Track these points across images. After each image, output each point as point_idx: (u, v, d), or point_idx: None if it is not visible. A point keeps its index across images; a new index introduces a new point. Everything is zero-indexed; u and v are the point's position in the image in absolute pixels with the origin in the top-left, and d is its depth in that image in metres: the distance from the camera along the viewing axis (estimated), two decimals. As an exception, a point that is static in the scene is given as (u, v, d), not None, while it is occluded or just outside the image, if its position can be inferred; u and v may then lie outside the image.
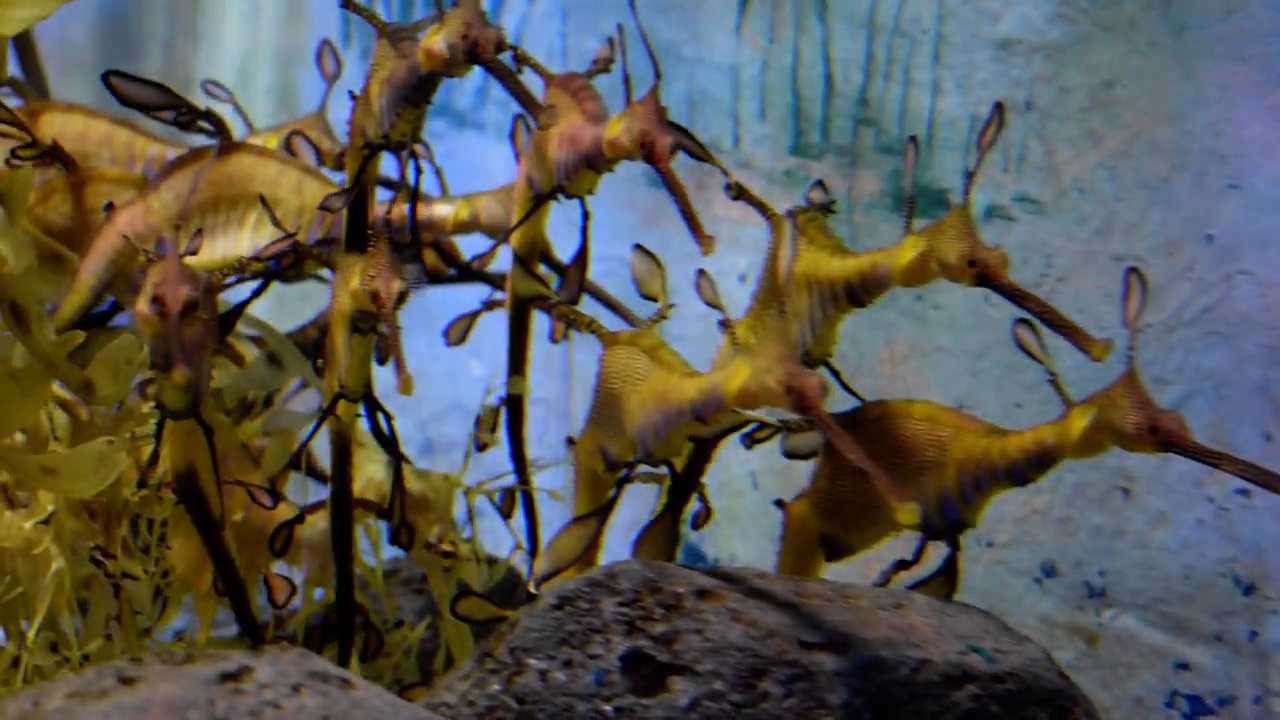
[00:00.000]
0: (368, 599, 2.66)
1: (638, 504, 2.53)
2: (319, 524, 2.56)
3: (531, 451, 2.69)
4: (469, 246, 2.83)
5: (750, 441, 2.49)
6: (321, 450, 2.56)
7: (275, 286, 2.65)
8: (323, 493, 2.60)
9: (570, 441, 2.44)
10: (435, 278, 2.89)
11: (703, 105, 3.12)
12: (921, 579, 2.40)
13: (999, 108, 2.32)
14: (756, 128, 3.08)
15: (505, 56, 2.28)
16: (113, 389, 2.35)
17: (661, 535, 2.42)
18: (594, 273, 2.83)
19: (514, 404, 2.61)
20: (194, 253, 2.17)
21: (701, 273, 2.21)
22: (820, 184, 2.45)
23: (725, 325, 2.19)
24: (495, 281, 2.85)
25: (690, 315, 2.41)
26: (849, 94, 2.99)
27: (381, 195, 2.74)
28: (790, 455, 2.48)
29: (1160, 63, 2.72)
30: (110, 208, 2.52)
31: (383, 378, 2.29)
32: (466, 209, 2.82)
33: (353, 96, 2.37)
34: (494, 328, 2.61)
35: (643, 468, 2.35)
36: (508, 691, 2.22)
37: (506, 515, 2.66)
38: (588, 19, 3.28)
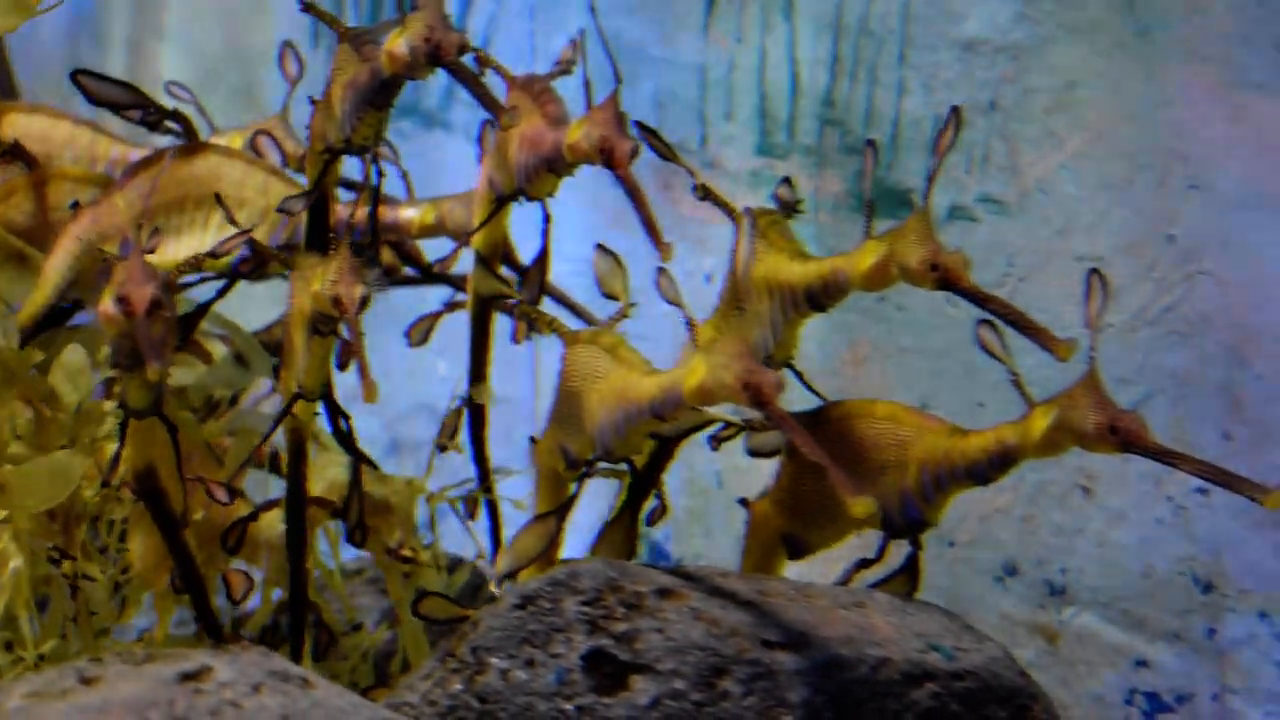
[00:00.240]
0: (324, 600, 2.66)
1: (601, 504, 2.53)
2: (279, 524, 2.56)
3: (498, 452, 2.70)
4: (434, 249, 2.83)
5: (716, 442, 2.50)
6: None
7: (255, 286, 2.66)
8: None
9: (533, 441, 2.45)
10: (398, 280, 2.89)
11: (670, 105, 3.13)
12: (883, 578, 2.41)
13: (955, 112, 2.33)
14: (723, 128, 3.09)
15: (468, 58, 2.28)
16: (74, 396, 2.36)
17: (621, 534, 2.43)
18: (561, 273, 2.83)
19: (476, 408, 2.62)
20: (152, 251, 2.18)
21: (662, 270, 2.22)
22: (787, 181, 2.46)
23: (690, 325, 2.20)
24: (459, 284, 2.86)
25: (656, 315, 2.42)
26: (815, 94, 2.99)
27: (348, 197, 2.74)
28: (753, 454, 2.49)
29: (1122, 64, 2.74)
30: (76, 206, 2.53)
31: (347, 378, 2.30)
32: (432, 213, 2.82)
33: (313, 102, 2.37)
34: (461, 327, 2.61)
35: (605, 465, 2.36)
36: (469, 691, 2.22)
37: (470, 517, 2.66)
38: (556, 18, 3.28)
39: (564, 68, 2.42)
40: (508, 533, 2.55)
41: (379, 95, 2.30)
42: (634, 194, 2.24)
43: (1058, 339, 2.23)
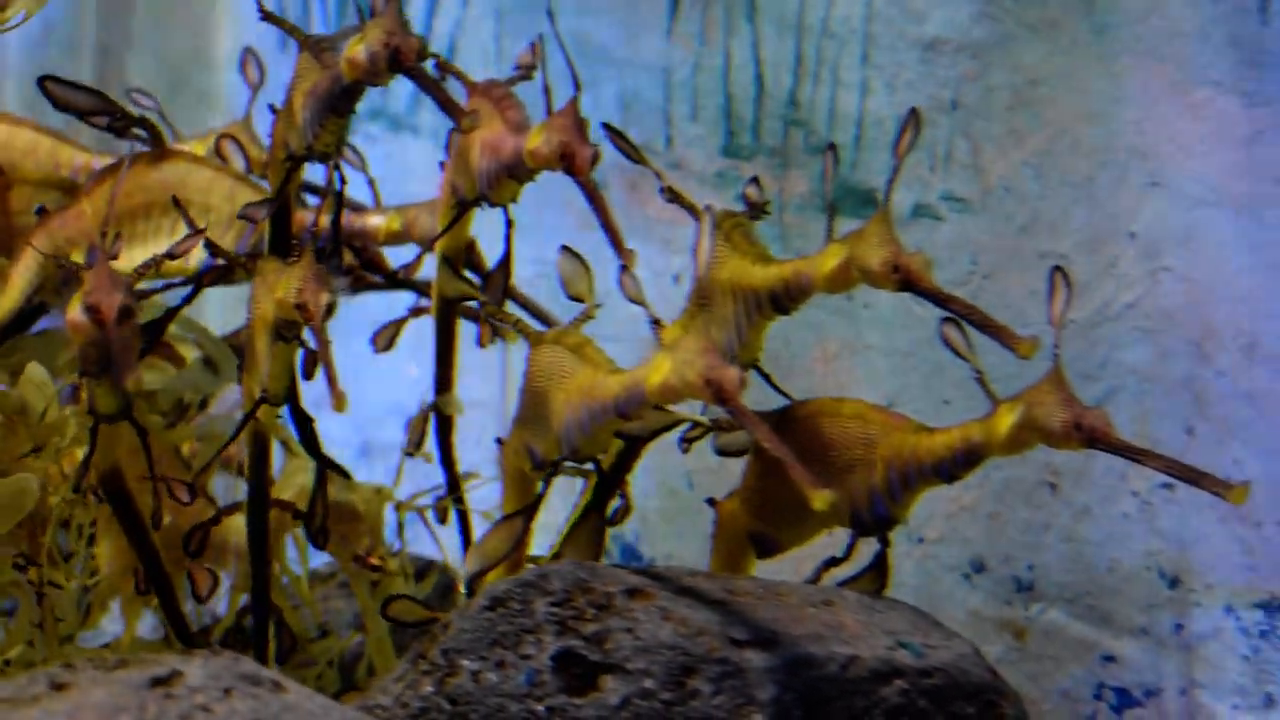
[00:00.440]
0: (288, 604, 2.66)
1: (568, 505, 2.54)
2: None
3: (470, 456, 2.70)
4: (398, 253, 2.83)
5: (686, 444, 2.51)
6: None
7: (231, 289, 2.66)
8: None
9: (499, 442, 2.45)
10: (363, 286, 2.90)
11: (635, 107, 3.13)
12: (852, 575, 2.42)
13: (914, 114, 2.34)
14: (688, 129, 3.09)
15: (429, 64, 2.29)
16: (41, 404, 2.36)
17: (587, 534, 2.43)
18: (528, 275, 2.84)
19: (443, 415, 2.63)
20: (114, 258, 2.18)
21: (624, 269, 2.22)
22: (756, 181, 2.46)
23: (655, 324, 2.20)
24: (424, 289, 2.86)
25: (624, 317, 2.43)
26: (779, 95, 3.00)
27: (317, 203, 2.74)
28: (721, 453, 2.50)
29: (1082, 62, 2.75)
30: (42, 211, 2.53)
31: (318, 382, 2.30)
32: (398, 220, 2.82)
33: (273, 110, 2.37)
34: (432, 330, 2.62)
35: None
36: (440, 693, 2.23)
37: (440, 523, 2.67)
38: (522, 21, 3.28)
39: (524, 73, 2.42)
40: (477, 537, 2.56)
41: (340, 102, 2.29)
42: (595, 200, 2.25)
43: (1019, 337, 2.24)
